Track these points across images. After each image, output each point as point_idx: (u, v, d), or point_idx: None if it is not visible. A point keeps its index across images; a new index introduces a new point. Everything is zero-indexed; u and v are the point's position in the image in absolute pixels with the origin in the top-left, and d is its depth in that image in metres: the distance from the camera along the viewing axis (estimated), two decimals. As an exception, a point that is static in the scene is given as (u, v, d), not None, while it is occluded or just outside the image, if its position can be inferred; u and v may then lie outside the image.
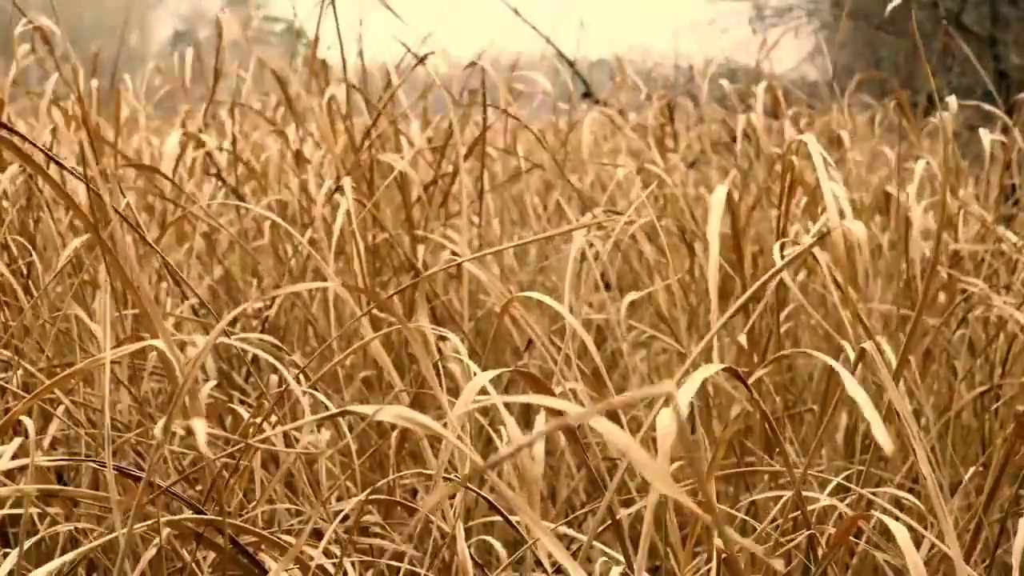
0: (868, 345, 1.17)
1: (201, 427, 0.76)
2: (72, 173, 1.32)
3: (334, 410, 1.13)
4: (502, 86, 2.39)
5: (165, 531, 1.15)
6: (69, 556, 1.10)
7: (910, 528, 1.57)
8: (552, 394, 1.14)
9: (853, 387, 0.94)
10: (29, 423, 1.19)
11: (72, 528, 1.36)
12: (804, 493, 1.32)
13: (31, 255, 1.79)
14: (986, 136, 2.23)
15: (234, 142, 2.54)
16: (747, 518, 1.53)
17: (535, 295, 1.39)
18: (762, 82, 2.92)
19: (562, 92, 3.63)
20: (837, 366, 1.03)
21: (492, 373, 1.14)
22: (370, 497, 1.24)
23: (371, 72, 2.65)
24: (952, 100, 1.95)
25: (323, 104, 2.35)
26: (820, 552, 1.34)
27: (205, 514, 1.20)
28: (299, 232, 2.33)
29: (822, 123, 3.45)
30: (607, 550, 1.35)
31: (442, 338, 2.00)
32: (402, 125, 2.69)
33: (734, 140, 3.25)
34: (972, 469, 1.72)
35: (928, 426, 1.83)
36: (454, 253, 2.33)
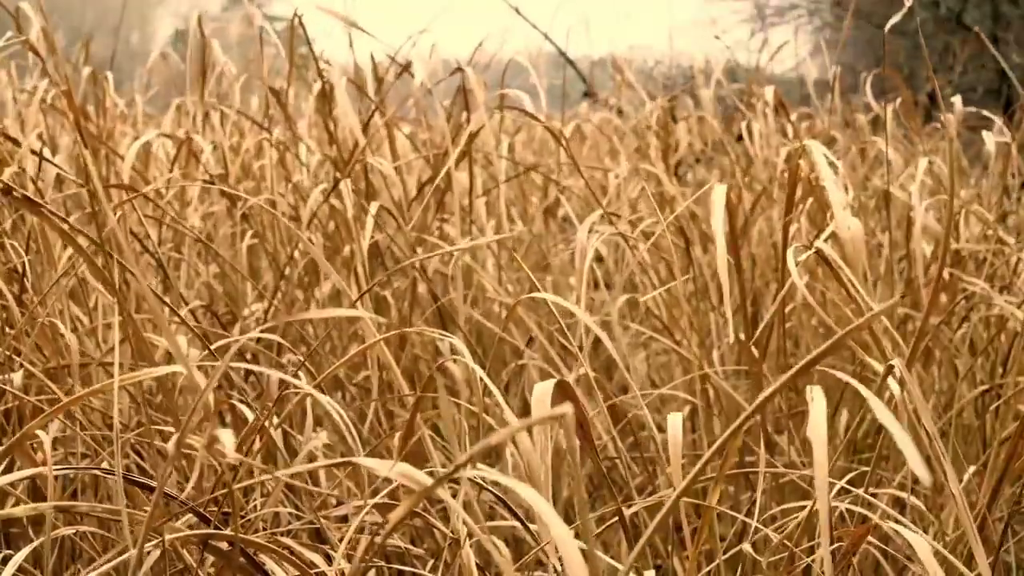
0: (896, 362, 1.17)
1: (228, 440, 0.75)
2: (60, 217, 1.31)
3: (339, 459, 1.13)
4: (479, 89, 2.38)
5: (169, 536, 1.14)
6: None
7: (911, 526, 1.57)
8: (574, 393, 1.14)
9: (891, 423, 0.92)
10: (45, 437, 1.19)
11: (73, 532, 1.36)
12: (805, 495, 1.32)
13: (26, 253, 1.78)
14: (989, 138, 2.23)
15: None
16: (748, 520, 1.53)
17: (547, 296, 1.38)
18: (762, 83, 2.92)
19: (562, 91, 3.62)
20: (873, 399, 1.00)
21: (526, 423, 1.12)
22: (372, 500, 1.24)
23: (364, 71, 2.64)
24: (958, 100, 1.95)
25: (311, 111, 2.34)
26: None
27: (209, 519, 1.20)
28: (291, 234, 2.33)
29: (822, 125, 3.45)
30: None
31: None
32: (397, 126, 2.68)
33: (739, 139, 3.25)
34: (972, 468, 1.72)
35: (930, 424, 1.83)
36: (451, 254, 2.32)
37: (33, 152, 1.71)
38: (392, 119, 2.58)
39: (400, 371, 1.85)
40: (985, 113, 2.64)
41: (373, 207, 2.11)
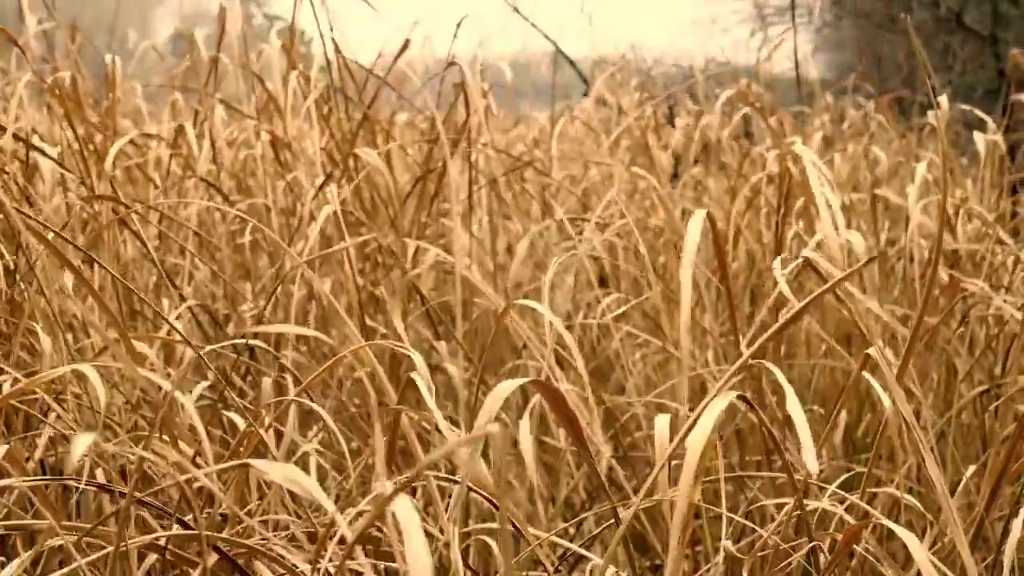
0: (873, 351, 1.16)
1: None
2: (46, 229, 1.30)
3: (232, 462, 1.12)
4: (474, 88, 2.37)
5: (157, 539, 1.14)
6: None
7: (909, 525, 1.56)
8: (562, 397, 1.13)
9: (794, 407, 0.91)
10: None
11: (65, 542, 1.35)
12: (805, 496, 1.31)
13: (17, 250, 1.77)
14: (980, 139, 2.22)
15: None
16: (745, 521, 1.52)
17: (530, 303, 1.38)
18: (762, 83, 2.91)
19: (551, 88, 3.63)
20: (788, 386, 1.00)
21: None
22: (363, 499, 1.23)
23: (356, 69, 2.63)
24: (943, 100, 1.95)
25: (305, 107, 2.34)
26: (821, 555, 1.33)
27: (192, 528, 1.19)
28: (288, 229, 2.32)
29: (816, 123, 3.44)
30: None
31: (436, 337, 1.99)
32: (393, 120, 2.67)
33: (737, 138, 3.24)
34: (972, 468, 1.71)
35: (927, 425, 1.82)
36: (446, 250, 2.32)
37: (17, 136, 1.69)
38: (376, 118, 2.58)
39: (400, 372, 1.84)
40: (988, 105, 2.64)
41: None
